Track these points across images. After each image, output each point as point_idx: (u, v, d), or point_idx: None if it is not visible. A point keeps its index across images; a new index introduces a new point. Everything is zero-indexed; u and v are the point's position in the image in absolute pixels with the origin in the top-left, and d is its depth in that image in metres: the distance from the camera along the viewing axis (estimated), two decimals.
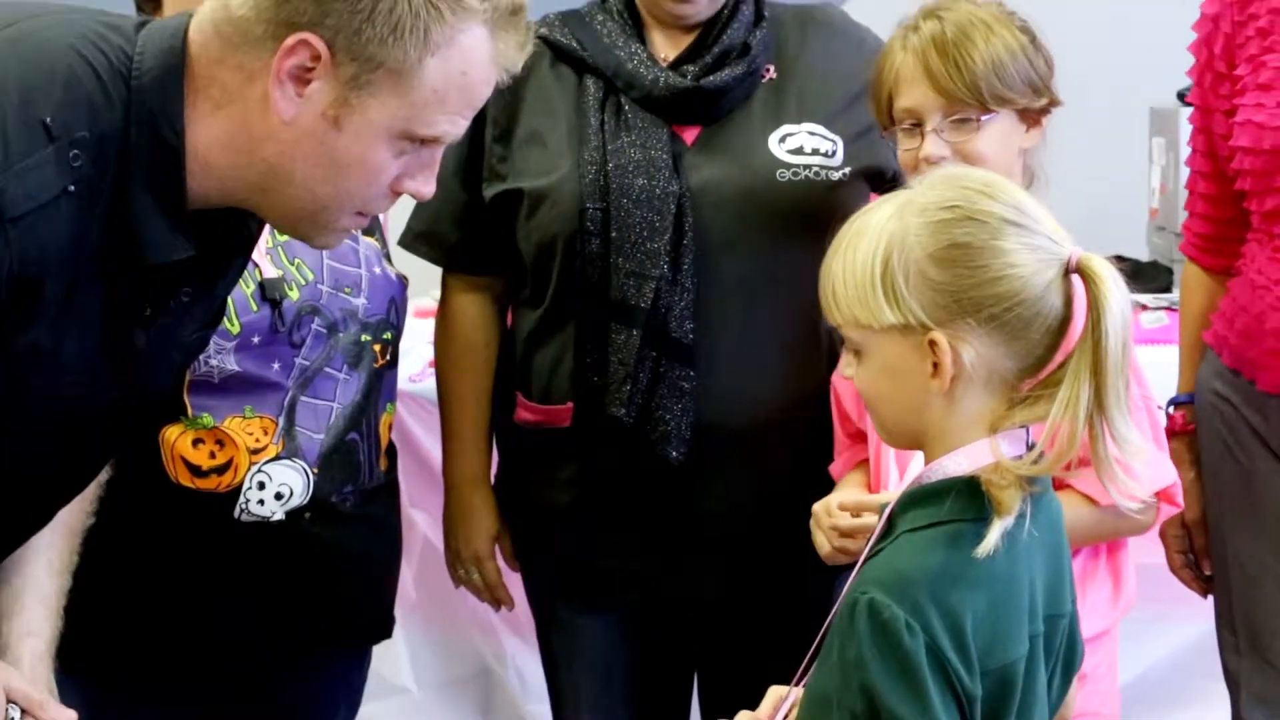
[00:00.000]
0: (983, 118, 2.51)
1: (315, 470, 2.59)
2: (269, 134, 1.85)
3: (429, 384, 3.66)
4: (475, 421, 2.94)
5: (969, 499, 1.89)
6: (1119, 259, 4.38)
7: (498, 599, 3.02)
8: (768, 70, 2.81)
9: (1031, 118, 2.56)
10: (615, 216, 2.68)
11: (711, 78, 2.75)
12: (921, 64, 2.52)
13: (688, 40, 2.80)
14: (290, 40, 1.80)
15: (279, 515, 2.56)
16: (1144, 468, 2.42)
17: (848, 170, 2.74)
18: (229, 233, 2.02)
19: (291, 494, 2.57)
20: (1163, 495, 2.55)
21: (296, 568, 2.62)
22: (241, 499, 2.54)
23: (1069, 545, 2.05)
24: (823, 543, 2.49)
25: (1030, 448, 1.91)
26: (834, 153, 2.75)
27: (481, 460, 2.96)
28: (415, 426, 3.75)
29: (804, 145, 2.74)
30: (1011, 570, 1.89)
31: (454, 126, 1.90)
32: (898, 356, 1.92)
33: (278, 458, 2.56)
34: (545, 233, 2.73)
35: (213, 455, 2.54)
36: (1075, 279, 1.91)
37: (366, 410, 2.67)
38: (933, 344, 1.89)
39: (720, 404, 2.70)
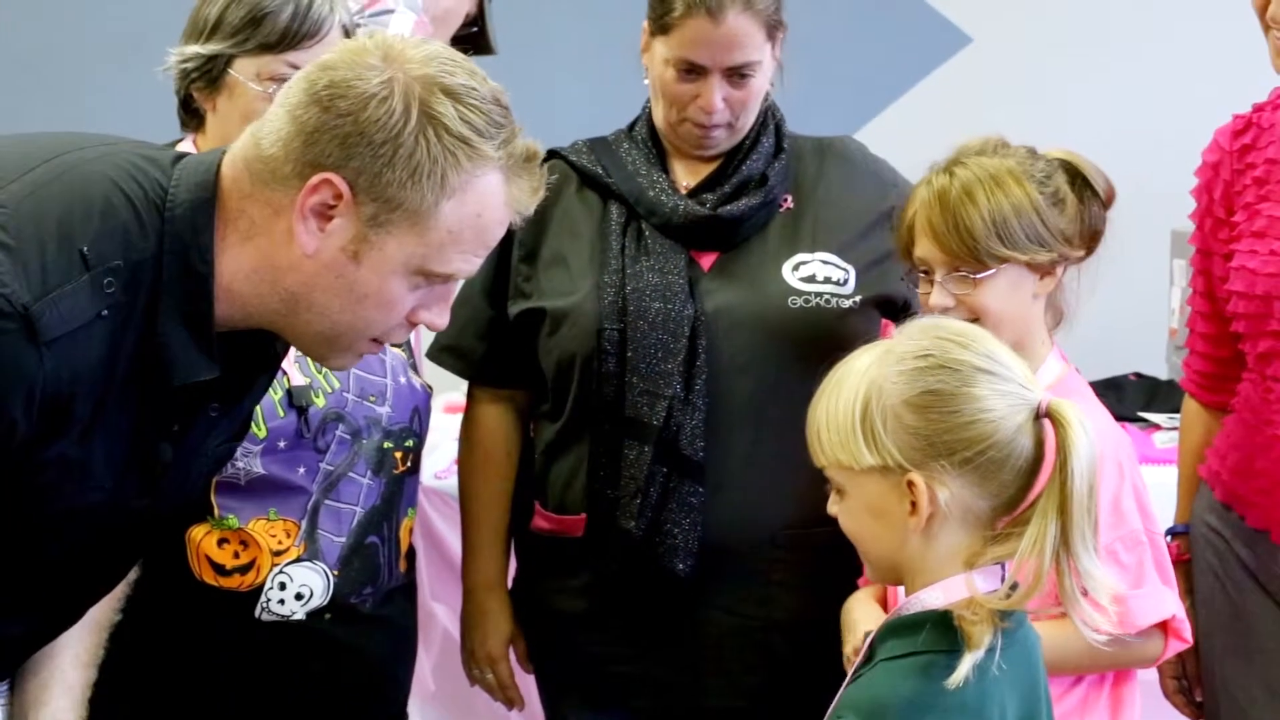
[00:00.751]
0: (979, 275, 2.57)
1: (336, 572, 2.66)
2: (292, 265, 1.94)
3: (453, 480, 3.75)
4: (494, 528, 3.01)
5: (943, 631, 1.97)
6: (1138, 377, 4.48)
7: (510, 699, 3.08)
8: (785, 200, 2.90)
9: (1043, 268, 2.61)
10: (631, 337, 2.77)
11: (729, 207, 2.84)
12: (926, 218, 2.60)
13: (708, 169, 2.90)
14: (315, 179, 1.90)
15: (299, 615, 2.64)
16: (1143, 600, 2.50)
17: (859, 298, 2.82)
18: (256, 351, 2.11)
19: (312, 594, 2.65)
20: (1169, 628, 2.57)
21: (314, 666, 2.69)
22: (263, 598, 2.63)
23: (1046, 677, 2.12)
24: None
25: (1004, 582, 2.00)
26: (846, 281, 2.83)
27: (499, 565, 3.02)
28: (440, 522, 3.81)
29: (817, 273, 2.83)
30: (981, 701, 1.95)
31: (468, 264, 1.99)
32: (878, 496, 2.03)
33: (299, 559, 2.64)
34: (564, 351, 2.82)
35: (237, 555, 2.62)
36: (1045, 423, 2.01)
37: (388, 515, 2.75)
38: (910, 484, 1.99)
39: (728, 520, 2.77)
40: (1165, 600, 2.56)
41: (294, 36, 2.68)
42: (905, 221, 2.64)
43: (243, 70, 2.68)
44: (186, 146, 2.80)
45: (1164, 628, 2.58)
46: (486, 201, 1.95)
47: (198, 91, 2.75)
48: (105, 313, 1.88)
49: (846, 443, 2.03)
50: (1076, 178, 2.66)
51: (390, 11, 3.75)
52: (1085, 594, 1.99)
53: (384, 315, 1.99)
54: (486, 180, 1.94)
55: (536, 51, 4.80)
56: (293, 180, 1.92)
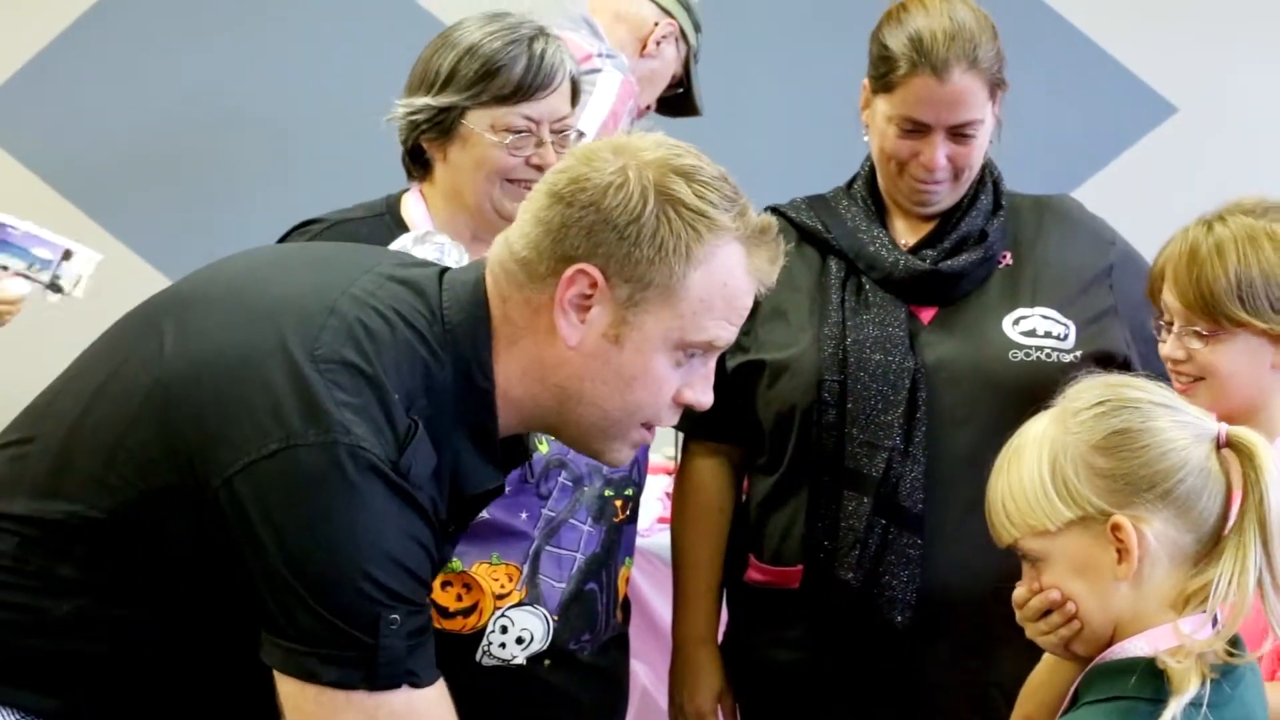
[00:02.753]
0: (1216, 334, 2.54)
1: (555, 617, 2.70)
2: (559, 360, 2.02)
3: (655, 539, 3.79)
4: (707, 582, 3.02)
5: (1150, 679, 1.96)
6: None
7: None
8: (1004, 256, 2.92)
9: None
10: (852, 389, 2.79)
11: (950, 262, 2.86)
12: (1173, 267, 2.58)
13: (928, 226, 2.92)
14: (569, 271, 1.98)
15: (520, 659, 2.68)
16: None
17: (1079, 353, 2.82)
18: (517, 446, 2.18)
19: (532, 639, 2.68)
20: None
21: (531, 712, 2.72)
22: (484, 641, 2.66)
23: None
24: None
25: (1214, 627, 1.98)
26: (1066, 336, 2.83)
27: (711, 620, 3.03)
28: (640, 579, 3.85)
29: (1037, 328, 2.84)
30: None
31: (724, 331, 2.04)
32: (1082, 551, 2.03)
33: (521, 604, 2.67)
34: (784, 402, 2.84)
35: (460, 598, 2.66)
36: (1227, 452, 2.02)
37: (606, 562, 2.78)
38: (1115, 528, 1.99)
39: (947, 573, 2.78)
40: None
41: (528, 89, 2.74)
42: (1157, 267, 2.63)
43: (476, 122, 2.74)
44: (413, 195, 2.86)
45: None
46: (731, 271, 2.01)
47: (428, 142, 2.81)
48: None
49: (1038, 504, 2.04)
50: None
51: (598, 71, 3.81)
52: None
53: (652, 396, 2.05)
54: (728, 250, 2.01)
55: (741, 113, 4.84)
56: (548, 278, 2.00)
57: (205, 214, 5.09)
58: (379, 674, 1.90)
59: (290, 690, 1.92)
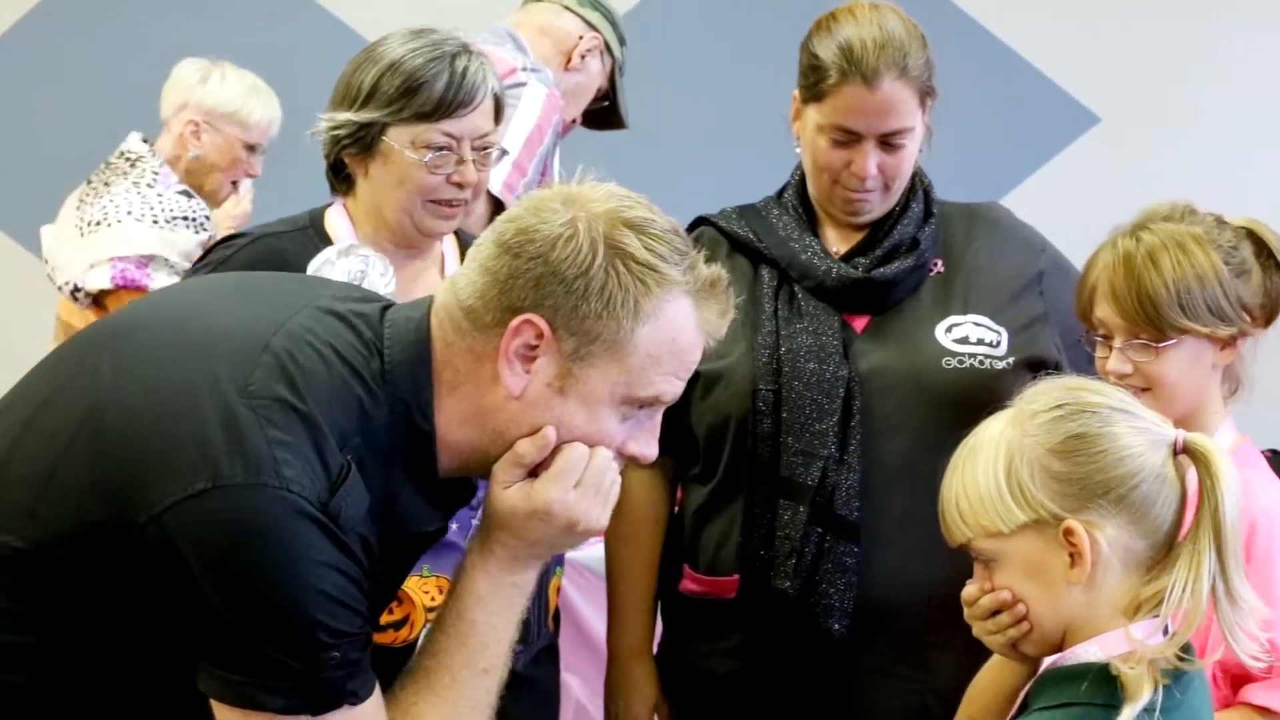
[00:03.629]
0: (1160, 344, 2.54)
1: None
2: (498, 406, 2.00)
3: (588, 552, 3.77)
4: (642, 594, 3.02)
5: (1102, 685, 1.97)
6: (1274, 454, 4.43)
7: None
8: (935, 264, 2.92)
9: (1222, 341, 2.57)
10: (786, 398, 2.79)
11: (882, 270, 2.86)
12: (1109, 281, 2.58)
13: (859, 235, 2.92)
14: (516, 321, 1.96)
15: None
16: None
17: (1012, 360, 2.82)
18: (461, 485, 2.15)
19: None
20: None
21: None
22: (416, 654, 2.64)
23: None
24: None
25: (1166, 634, 1.99)
26: (999, 343, 2.83)
27: (645, 631, 3.03)
28: (572, 592, 3.84)
29: (969, 335, 2.84)
30: None
31: (670, 386, 2.02)
32: (1034, 555, 2.03)
33: None
34: (719, 413, 2.84)
35: (390, 611, 2.63)
36: (1183, 459, 2.02)
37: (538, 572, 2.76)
38: (1068, 533, 1.99)
39: (883, 581, 2.77)
40: None
41: (449, 105, 2.72)
42: (1087, 284, 2.63)
43: (397, 138, 2.73)
44: (336, 209, 2.85)
45: None
46: (680, 325, 2.00)
47: (349, 157, 2.80)
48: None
49: (993, 506, 2.04)
50: (1262, 248, 2.63)
51: (523, 85, 3.80)
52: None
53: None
54: (677, 305, 1.99)
55: (667, 125, 4.84)
56: (493, 328, 1.98)
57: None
58: (320, 699, 1.89)
59: (231, 717, 1.90)
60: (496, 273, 1.97)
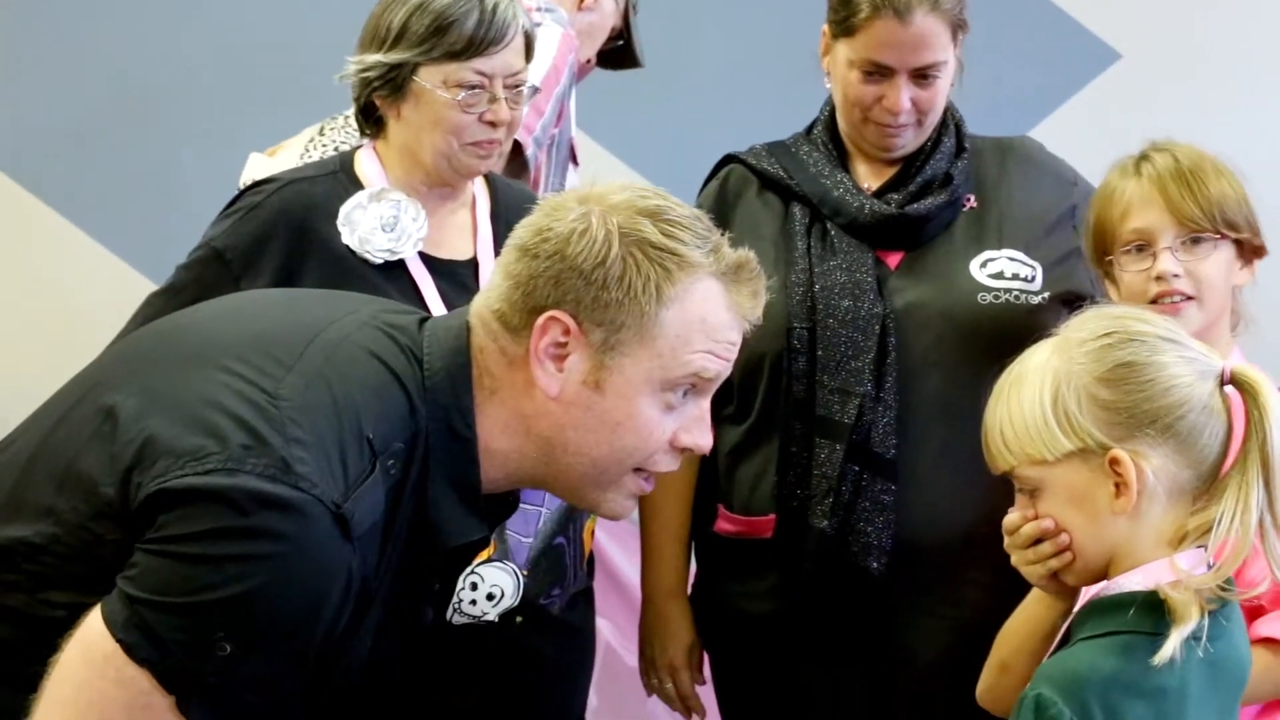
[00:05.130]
0: (1216, 239, 2.58)
1: (525, 572, 2.68)
2: (539, 411, 1.98)
3: None
4: (676, 535, 3.01)
5: (1148, 613, 1.95)
6: None
7: (690, 709, 3.07)
8: (969, 199, 2.91)
9: (1246, 255, 2.63)
10: (821, 336, 2.78)
11: (916, 205, 2.85)
12: (1158, 187, 2.60)
13: (891, 171, 2.91)
14: (541, 320, 1.95)
15: (491, 615, 2.66)
16: None
17: (1047, 295, 2.82)
18: (505, 500, 2.14)
19: (503, 595, 2.66)
20: None
21: (504, 669, 2.71)
22: (455, 599, 2.64)
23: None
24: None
25: (1209, 568, 1.99)
26: (1034, 278, 2.83)
27: (680, 573, 3.02)
28: (601, 536, 3.83)
29: (1004, 270, 2.83)
30: (1182, 689, 1.94)
31: (710, 363, 1.99)
32: (1079, 483, 2.02)
33: (490, 560, 2.65)
34: (753, 351, 2.81)
35: None
36: (1230, 390, 2.01)
37: (573, 516, 2.77)
38: (1114, 462, 1.98)
39: (920, 518, 2.77)
40: None
41: (480, 43, 2.70)
42: (1120, 200, 2.63)
43: (428, 78, 2.70)
44: (366, 153, 2.83)
45: None
46: (708, 306, 1.98)
47: (380, 99, 2.77)
48: (389, 495, 1.92)
49: (1039, 434, 2.03)
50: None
51: (538, 26, 3.77)
52: None
53: (642, 440, 2.00)
54: (703, 286, 1.98)
55: (683, 63, 4.79)
56: (522, 331, 1.97)
57: (148, 185, 5.02)
58: (175, 678, 1.81)
59: (91, 635, 1.81)
60: (518, 276, 1.98)
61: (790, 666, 2.89)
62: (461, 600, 2.64)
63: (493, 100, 2.73)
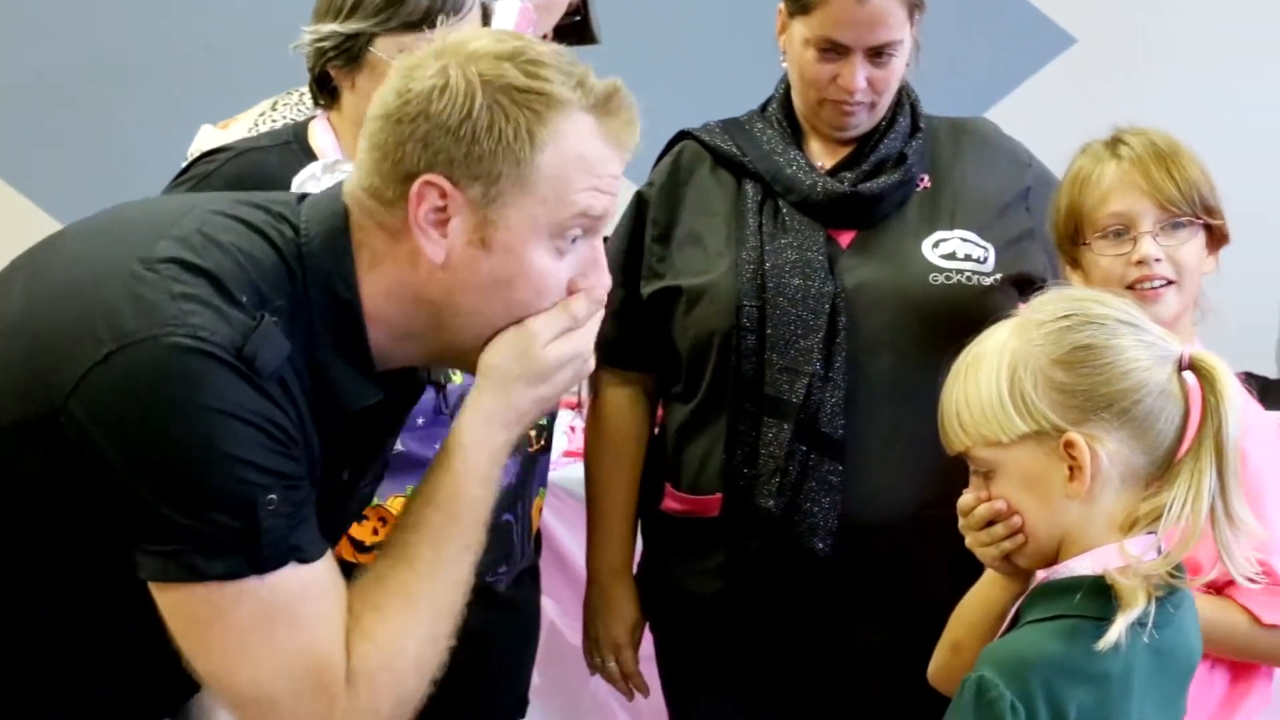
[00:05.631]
0: (1195, 222, 2.57)
1: None
2: (427, 279, 1.93)
3: (563, 472, 3.76)
4: (622, 513, 3.00)
5: (1095, 598, 1.95)
6: (1248, 376, 4.44)
7: (634, 688, 3.06)
8: (922, 179, 2.89)
9: (1213, 243, 2.61)
10: (771, 314, 2.76)
11: (868, 184, 2.83)
12: (1139, 170, 2.57)
13: (845, 150, 2.89)
14: (415, 186, 1.89)
15: None
16: None
17: (999, 276, 2.80)
18: (403, 385, 2.10)
19: None
20: None
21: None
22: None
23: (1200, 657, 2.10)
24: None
25: (1160, 552, 1.98)
26: (986, 259, 2.82)
27: (626, 551, 3.01)
28: (547, 514, 3.82)
29: (957, 251, 2.82)
30: (1126, 676, 1.94)
31: (596, 200, 1.93)
32: (1034, 466, 2.01)
33: None
34: (702, 328, 2.81)
35: (376, 532, 2.61)
36: (1188, 375, 2.00)
37: (521, 493, 2.75)
38: (1069, 445, 1.97)
39: (868, 499, 2.75)
40: None
41: (437, 14, 2.68)
42: (1094, 181, 2.61)
43: (384, 48, 2.68)
44: (320, 123, 2.81)
45: None
46: (585, 143, 1.91)
47: (335, 70, 2.75)
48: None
49: (994, 415, 2.02)
50: None
51: None
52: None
53: (537, 292, 1.95)
54: (574, 122, 1.90)
55: (639, 41, 4.78)
56: (398, 201, 1.91)
57: (101, 160, 4.99)
58: (265, 556, 1.81)
59: (175, 599, 1.82)
60: (384, 145, 1.91)
61: (736, 645, 2.88)
62: None
63: None
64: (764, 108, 2.98)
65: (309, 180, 2.70)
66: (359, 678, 1.87)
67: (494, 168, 1.88)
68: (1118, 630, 1.90)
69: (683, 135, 3.00)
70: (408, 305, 1.95)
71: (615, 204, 1.98)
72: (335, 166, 2.72)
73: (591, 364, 2.03)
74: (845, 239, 2.84)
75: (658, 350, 2.90)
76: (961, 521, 2.13)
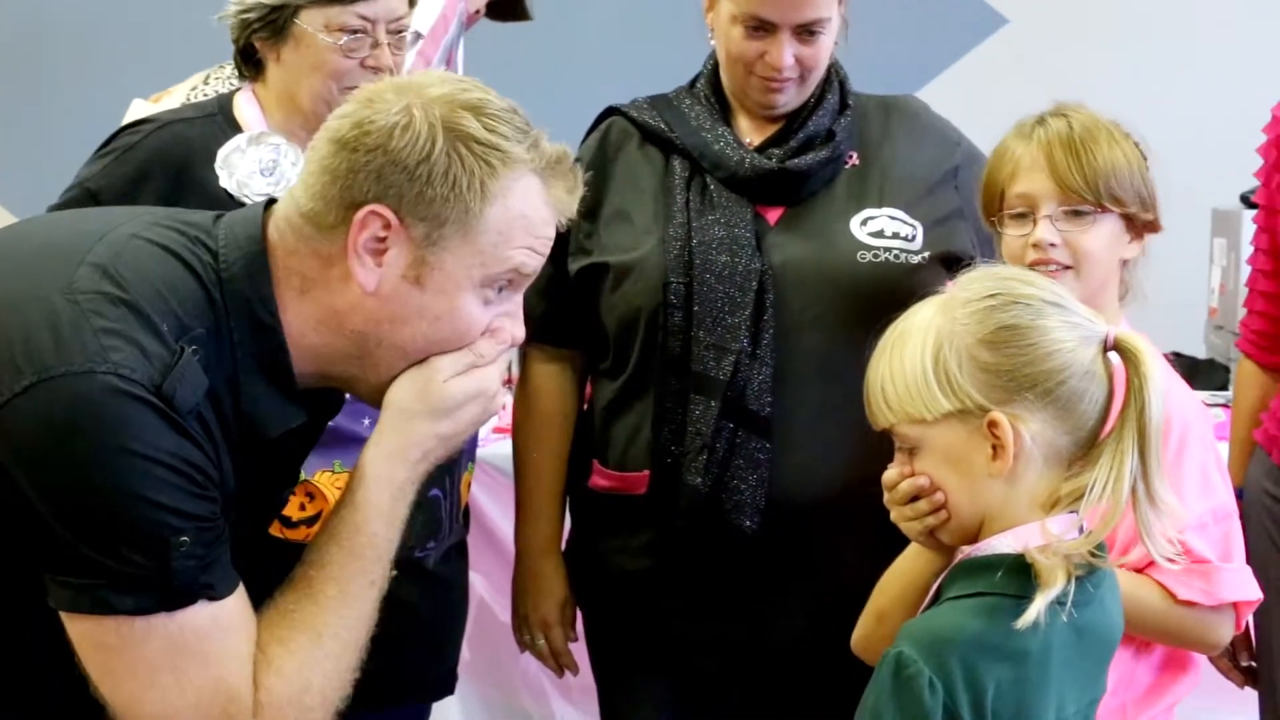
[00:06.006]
0: (1097, 212, 2.56)
1: None
2: (354, 306, 1.95)
3: (491, 449, 3.76)
4: (550, 490, 2.99)
5: (1015, 576, 1.96)
6: (1177, 356, 4.48)
7: (563, 665, 3.06)
8: (851, 156, 2.89)
9: (1136, 229, 2.60)
10: (698, 291, 2.75)
11: (796, 160, 2.83)
12: (1045, 153, 2.57)
13: (773, 127, 2.89)
14: (361, 214, 1.91)
15: None
16: (1233, 575, 2.47)
17: (927, 254, 2.81)
18: (322, 402, 2.12)
19: None
20: (1240, 612, 2.52)
21: (377, 620, 2.68)
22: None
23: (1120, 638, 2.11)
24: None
25: (1081, 531, 1.99)
26: (914, 237, 2.82)
27: (554, 528, 3.01)
28: (476, 489, 3.82)
29: (885, 229, 2.82)
30: (1045, 653, 1.95)
31: (529, 259, 1.99)
32: (957, 444, 2.01)
33: None
34: (629, 306, 2.81)
35: (303, 507, 2.60)
36: (1113, 356, 2.01)
37: (449, 469, 2.74)
38: (992, 425, 1.98)
39: (795, 477, 2.75)
40: (1249, 582, 2.52)
41: None
42: (1007, 162, 2.61)
43: (310, 21, 2.67)
44: (245, 95, 2.79)
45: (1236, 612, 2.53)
46: (529, 201, 1.97)
47: (260, 41, 2.73)
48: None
49: (919, 393, 2.02)
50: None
51: None
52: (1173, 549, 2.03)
53: (459, 335, 1.99)
54: (524, 182, 1.96)
55: (573, 15, 4.78)
56: (338, 227, 1.93)
57: (25, 131, 4.94)
58: (175, 594, 1.83)
59: (84, 629, 1.84)
60: (335, 170, 1.93)
61: (664, 624, 2.87)
62: None
63: (375, 45, 2.70)
64: (692, 84, 2.97)
65: (233, 153, 2.69)
66: (265, 711, 1.90)
67: (442, 212, 1.92)
68: (1036, 609, 1.91)
69: (610, 111, 2.99)
70: (331, 334, 1.97)
71: (542, 262, 2.03)
72: (261, 139, 2.71)
73: (500, 403, 2.07)
74: (773, 216, 2.84)
75: (585, 327, 2.89)
76: (886, 496, 2.13)
